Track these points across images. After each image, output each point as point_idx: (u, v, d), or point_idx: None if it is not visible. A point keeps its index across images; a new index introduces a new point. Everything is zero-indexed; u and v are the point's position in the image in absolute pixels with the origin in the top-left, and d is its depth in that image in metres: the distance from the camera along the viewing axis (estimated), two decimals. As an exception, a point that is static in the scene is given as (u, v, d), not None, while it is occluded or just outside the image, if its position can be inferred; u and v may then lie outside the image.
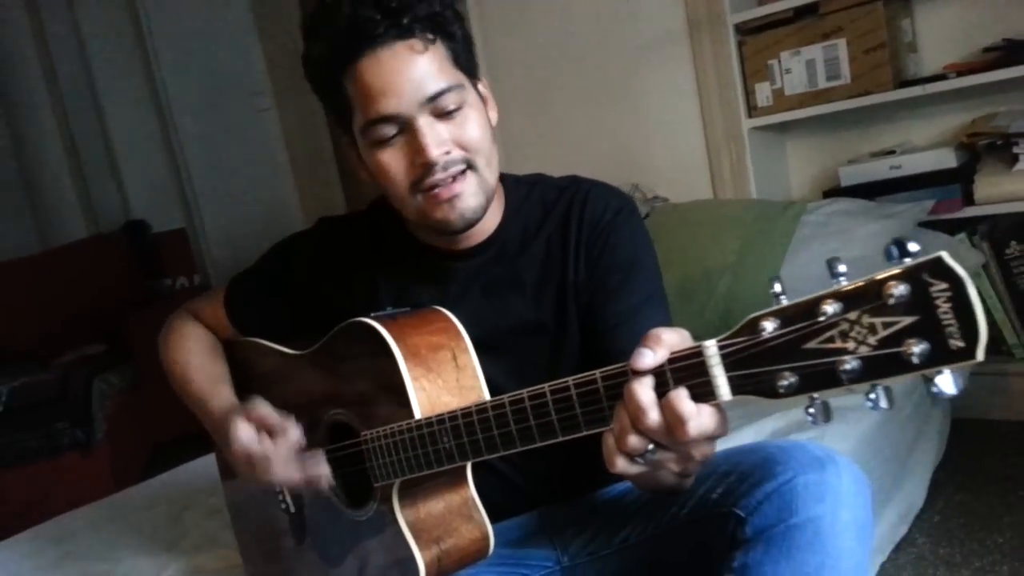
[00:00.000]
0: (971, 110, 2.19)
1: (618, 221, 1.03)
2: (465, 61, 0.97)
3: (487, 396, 0.94)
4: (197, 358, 1.16)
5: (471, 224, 0.98)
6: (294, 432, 0.97)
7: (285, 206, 3.91)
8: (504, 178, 1.08)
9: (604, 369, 0.73)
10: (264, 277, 1.16)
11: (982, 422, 2.15)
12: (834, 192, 2.31)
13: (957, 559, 1.62)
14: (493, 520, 0.98)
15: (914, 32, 2.27)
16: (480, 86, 1.01)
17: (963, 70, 2.05)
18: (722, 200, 2.44)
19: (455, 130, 0.94)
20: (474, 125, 0.95)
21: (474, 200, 0.96)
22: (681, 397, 0.67)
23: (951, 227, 2.13)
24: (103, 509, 1.88)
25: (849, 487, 0.84)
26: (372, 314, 0.97)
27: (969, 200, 2.11)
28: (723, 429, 0.69)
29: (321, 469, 0.97)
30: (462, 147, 0.94)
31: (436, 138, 0.92)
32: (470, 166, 0.95)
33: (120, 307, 3.53)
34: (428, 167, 0.93)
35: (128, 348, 3.23)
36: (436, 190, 0.94)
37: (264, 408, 0.98)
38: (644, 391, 0.68)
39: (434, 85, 0.92)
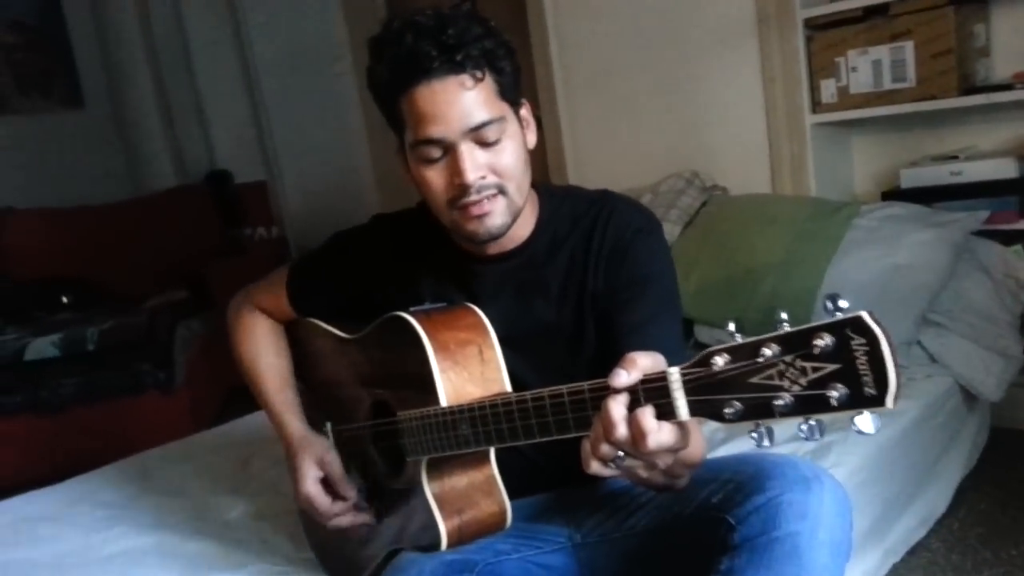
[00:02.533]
0: (1040, 120, 2.17)
1: (638, 238, 1.12)
2: (510, 92, 1.07)
3: (508, 389, 1.05)
4: (267, 357, 1.32)
5: (496, 237, 1.09)
6: (351, 494, 1.20)
7: (358, 166, 4.05)
8: (539, 189, 1.18)
9: (592, 382, 0.83)
10: (323, 267, 1.29)
11: (1022, 433, 2.17)
12: (893, 194, 2.32)
13: (968, 567, 1.67)
14: (513, 497, 1.09)
15: (988, 36, 2.24)
16: (523, 111, 1.11)
17: (1031, 81, 2.03)
18: (777, 195, 2.47)
19: (492, 158, 1.05)
20: (510, 155, 1.06)
21: (500, 219, 1.07)
22: (646, 414, 0.77)
23: (1006, 238, 2.13)
24: (179, 449, 2.08)
25: (829, 508, 0.94)
26: (411, 308, 1.09)
27: (1026, 211, 2.10)
28: (683, 443, 0.79)
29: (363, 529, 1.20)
30: (496, 173, 1.05)
31: (474, 164, 1.03)
32: (501, 191, 1.06)
33: (203, 255, 3.76)
34: (464, 188, 1.04)
35: (209, 296, 3.45)
36: (469, 208, 1.05)
37: (335, 464, 1.21)
38: (617, 407, 0.78)
39: (478, 117, 1.03)
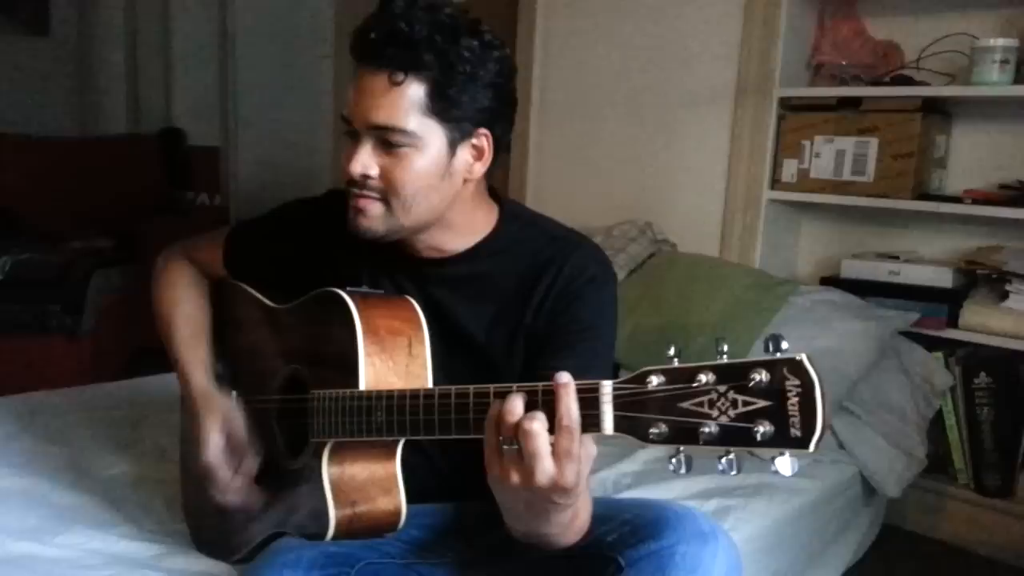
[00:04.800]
0: (979, 237, 2.25)
1: (588, 288, 1.09)
2: (446, 113, 1.01)
3: (431, 387, 1.02)
4: (186, 306, 1.26)
5: (370, 240, 1.07)
6: (252, 465, 1.15)
7: (317, 153, 3.99)
8: (505, 208, 1.15)
9: (523, 384, 0.82)
10: (266, 230, 1.25)
11: (912, 535, 2.22)
12: (832, 281, 2.37)
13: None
14: (410, 501, 1.06)
15: (948, 149, 2.33)
16: (475, 139, 1.05)
17: (979, 198, 2.11)
18: (724, 260, 2.51)
19: (388, 164, 1.03)
20: (407, 171, 1.02)
21: (373, 224, 1.06)
22: (534, 416, 0.79)
23: (931, 343, 2.19)
24: (72, 397, 1.97)
25: (721, 566, 0.94)
26: (348, 288, 1.06)
27: (954, 322, 2.17)
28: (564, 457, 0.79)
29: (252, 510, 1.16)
30: (385, 181, 1.03)
31: (365, 160, 1.03)
32: (384, 199, 1.04)
33: (139, 209, 3.64)
34: (348, 175, 1.04)
35: (136, 250, 3.34)
36: (352, 197, 1.05)
37: (239, 429, 1.15)
38: (517, 401, 0.80)
39: (381, 118, 1.00)
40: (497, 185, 1.18)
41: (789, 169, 2.42)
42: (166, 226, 3.46)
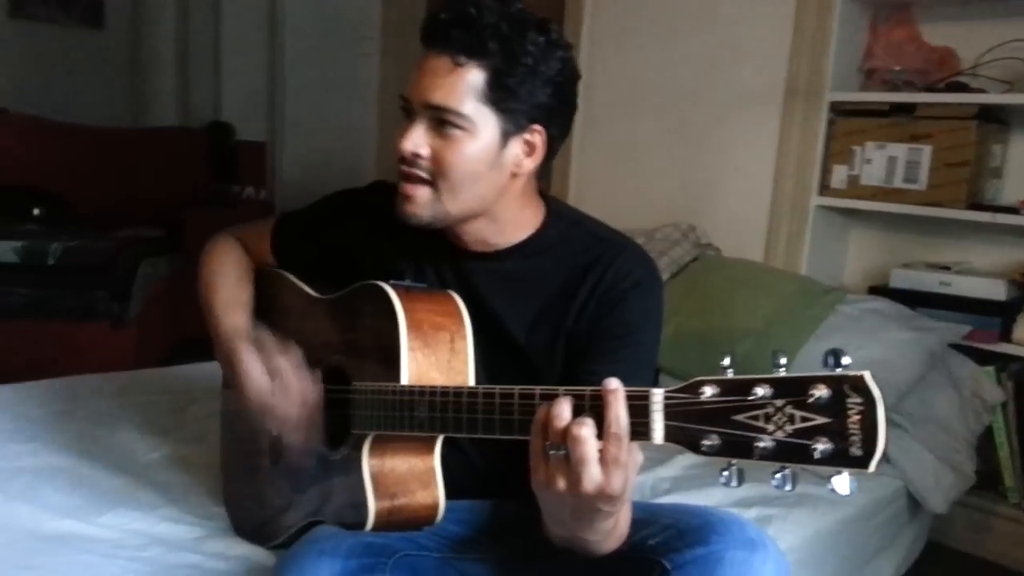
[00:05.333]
0: (1036, 250, 2.19)
1: (634, 292, 1.07)
2: (503, 103, 1.02)
3: (472, 383, 1.02)
4: (227, 278, 1.25)
5: (417, 226, 1.07)
6: (295, 357, 1.08)
7: (362, 149, 4.03)
8: (551, 205, 1.15)
9: (569, 388, 0.81)
10: (312, 219, 1.26)
11: (957, 553, 2.16)
12: (880, 291, 2.32)
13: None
14: (451, 497, 1.06)
15: (1004, 159, 2.27)
16: (527, 134, 1.05)
17: (1036, 210, 2.05)
18: (769, 267, 2.47)
19: (438, 145, 1.03)
20: (457, 154, 1.02)
21: (420, 210, 1.06)
22: (583, 421, 0.77)
23: (982, 357, 2.14)
24: (117, 382, 2.00)
25: (770, 574, 0.91)
26: (392, 281, 1.06)
27: (1007, 336, 2.11)
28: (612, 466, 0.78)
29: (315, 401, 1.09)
30: (435, 163, 1.03)
31: (416, 139, 1.03)
32: (431, 182, 1.04)
33: (187, 201, 3.70)
34: (399, 154, 1.04)
35: (182, 240, 3.39)
36: (402, 181, 1.05)
37: (269, 339, 1.09)
38: (565, 405, 0.79)
39: (440, 98, 1.01)
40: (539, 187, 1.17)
41: (839, 175, 2.37)
42: (213, 217, 3.49)
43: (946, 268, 2.26)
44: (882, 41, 2.38)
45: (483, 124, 1.02)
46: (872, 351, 1.98)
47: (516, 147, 1.05)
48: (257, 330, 1.13)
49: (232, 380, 1.12)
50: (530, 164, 1.07)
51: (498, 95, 1.01)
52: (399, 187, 1.06)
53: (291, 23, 4.19)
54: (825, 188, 2.41)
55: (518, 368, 1.10)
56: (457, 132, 1.02)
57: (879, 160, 2.29)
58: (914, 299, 2.22)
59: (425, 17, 1.03)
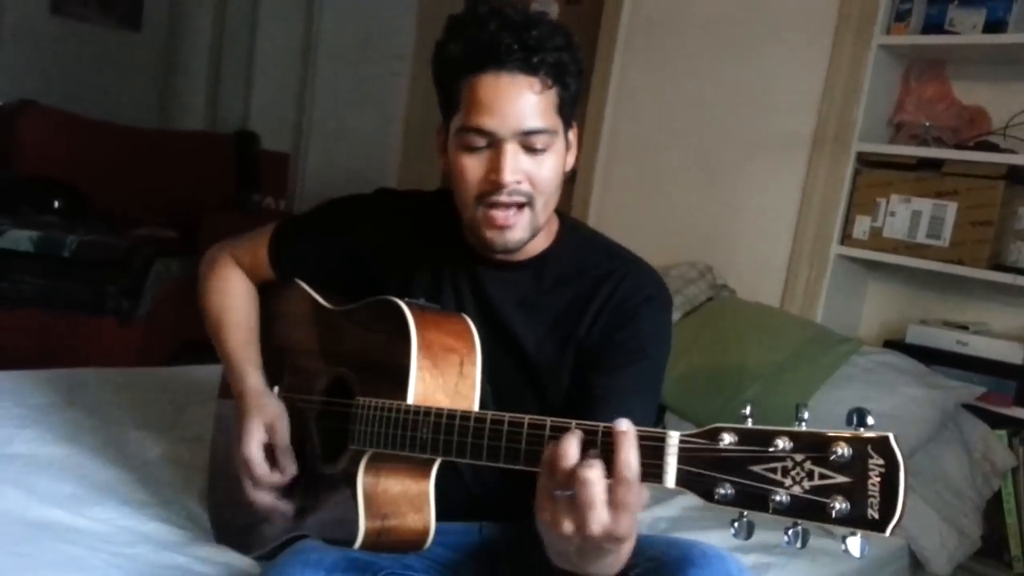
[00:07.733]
0: (1057, 315, 2.15)
1: (646, 307, 1.08)
2: (567, 111, 1.05)
3: (476, 409, 1.00)
4: (235, 313, 1.24)
5: (510, 251, 1.07)
6: (291, 470, 1.11)
7: (385, 167, 4.05)
8: (564, 219, 1.15)
9: (582, 423, 0.79)
10: (312, 227, 1.24)
11: (958, 619, 2.10)
12: (895, 345, 2.29)
13: None
14: (441, 518, 1.03)
15: (1029, 222, 2.24)
16: (571, 133, 1.09)
17: (1060, 275, 2.02)
18: (784, 312, 2.44)
19: (532, 166, 1.02)
20: (549, 169, 1.04)
21: (520, 234, 1.05)
22: (591, 464, 0.74)
23: (995, 420, 2.10)
24: (118, 376, 1.99)
25: None
26: (407, 299, 1.04)
27: (1021, 401, 2.07)
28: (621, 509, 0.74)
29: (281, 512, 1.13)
30: (532, 183, 1.03)
31: (515, 166, 1.01)
32: (529, 203, 1.03)
33: (206, 205, 3.71)
34: (498, 186, 1.01)
35: (198, 244, 3.39)
36: (494, 211, 1.02)
37: (283, 433, 1.11)
38: (573, 444, 0.75)
39: (533, 123, 1.01)
40: (560, 209, 1.17)
41: (862, 226, 2.35)
42: (230, 224, 3.46)
43: (964, 327, 2.22)
44: (914, 95, 2.37)
45: (559, 134, 1.05)
46: (884, 405, 1.95)
47: (567, 146, 1.08)
48: (277, 410, 1.15)
49: (234, 429, 1.16)
50: (571, 162, 1.10)
51: (562, 101, 1.04)
52: (492, 216, 1.03)
53: (326, 39, 4.24)
54: (846, 238, 2.38)
55: (525, 379, 1.10)
56: (547, 149, 1.03)
57: (903, 214, 2.26)
58: (929, 356, 2.18)
59: (482, 39, 0.99)
